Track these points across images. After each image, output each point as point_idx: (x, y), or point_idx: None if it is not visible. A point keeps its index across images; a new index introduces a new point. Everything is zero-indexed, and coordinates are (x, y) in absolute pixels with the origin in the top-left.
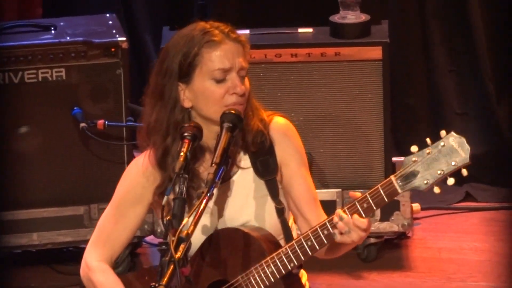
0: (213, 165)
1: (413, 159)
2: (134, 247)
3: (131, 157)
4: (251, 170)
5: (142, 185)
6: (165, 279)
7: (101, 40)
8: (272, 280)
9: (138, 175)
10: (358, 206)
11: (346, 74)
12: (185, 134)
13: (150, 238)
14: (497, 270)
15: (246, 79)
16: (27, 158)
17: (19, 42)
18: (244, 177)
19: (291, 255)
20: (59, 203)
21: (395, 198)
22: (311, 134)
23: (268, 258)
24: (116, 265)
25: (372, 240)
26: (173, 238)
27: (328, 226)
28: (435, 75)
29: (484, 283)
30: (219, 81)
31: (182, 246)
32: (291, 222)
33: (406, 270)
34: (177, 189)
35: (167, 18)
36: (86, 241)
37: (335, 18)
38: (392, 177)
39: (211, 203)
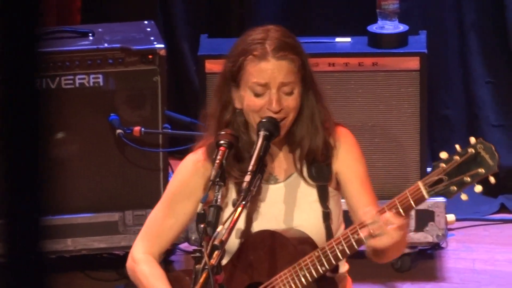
0: (249, 173)
1: (441, 165)
2: (168, 254)
3: (166, 165)
4: (305, 175)
5: (194, 181)
6: (199, 286)
7: (139, 47)
8: (305, 283)
9: (191, 171)
10: (387, 211)
11: (383, 84)
12: (221, 142)
13: (184, 246)
14: None
15: (294, 95)
16: (63, 164)
17: (57, 48)
18: (296, 182)
19: (323, 259)
20: (94, 209)
21: (430, 208)
22: None
23: (301, 261)
24: None
25: (406, 250)
26: (207, 246)
27: (358, 230)
28: (472, 87)
29: None
30: (257, 95)
31: (216, 254)
32: (340, 231)
33: (439, 281)
34: (212, 196)
35: (206, 26)
36: (120, 248)
37: (373, 28)
38: (420, 183)
39: (259, 205)
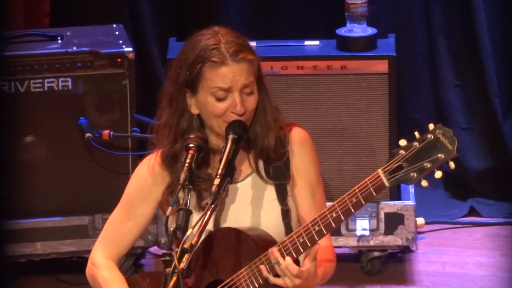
0: (218, 177)
1: (401, 152)
2: (137, 257)
3: (136, 168)
4: (262, 174)
5: (150, 184)
6: None
7: (107, 50)
8: (261, 281)
9: (146, 175)
10: (347, 201)
11: (352, 87)
12: (190, 145)
13: (154, 249)
14: (501, 286)
15: (254, 95)
16: (32, 168)
17: (25, 52)
18: (255, 181)
19: (284, 252)
20: (64, 213)
21: (399, 212)
22: (317, 147)
23: (262, 255)
24: None
25: (376, 253)
26: (177, 249)
27: (319, 222)
28: (441, 90)
29: None
30: (220, 99)
31: (185, 257)
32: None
33: (409, 284)
34: (181, 200)
35: (174, 29)
36: (89, 251)
37: (342, 31)
38: (380, 171)
39: (220, 205)
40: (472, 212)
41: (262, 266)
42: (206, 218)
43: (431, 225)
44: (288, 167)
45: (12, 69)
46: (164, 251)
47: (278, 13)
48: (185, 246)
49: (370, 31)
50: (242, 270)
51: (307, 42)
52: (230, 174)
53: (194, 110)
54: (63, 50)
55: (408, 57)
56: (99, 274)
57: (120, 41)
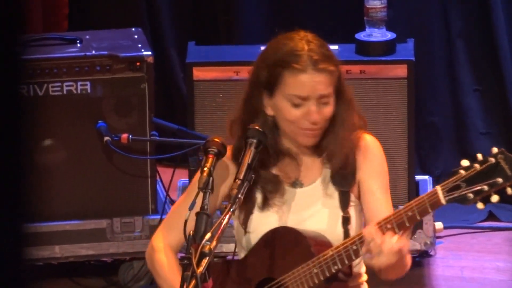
0: (237, 180)
1: (461, 171)
2: None
3: (154, 172)
4: (328, 180)
5: (217, 176)
6: None
7: (126, 54)
8: (316, 281)
9: (217, 167)
10: (403, 214)
11: (371, 91)
12: (209, 149)
13: None
14: None
15: (330, 106)
16: (50, 171)
17: (44, 55)
18: (320, 187)
19: (336, 257)
20: (82, 217)
21: None
22: None
23: (315, 258)
24: (137, 279)
25: None
26: (196, 253)
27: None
28: (459, 94)
29: None
30: (296, 105)
31: (204, 261)
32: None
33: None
34: (201, 204)
35: (193, 33)
36: (108, 255)
37: (361, 35)
38: (438, 188)
39: (283, 208)
40: (491, 216)
41: (363, 249)
42: (224, 222)
43: (449, 230)
44: (354, 175)
45: (31, 73)
46: (182, 254)
47: (298, 18)
48: (204, 250)
49: (389, 35)
50: (295, 270)
51: None
52: (249, 178)
53: (270, 112)
54: (82, 53)
55: (427, 62)
56: (157, 258)
57: (139, 45)
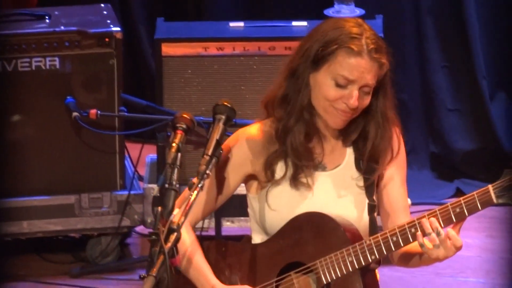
0: (205, 156)
1: None
2: (124, 237)
3: (122, 147)
4: (353, 165)
5: (245, 155)
6: (155, 269)
7: (95, 30)
8: (350, 269)
9: (243, 145)
10: (450, 210)
11: None
12: (178, 125)
13: (140, 228)
14: (486, 266)
15: (369, 96)
16: (18, 147)
17: (13, 31)
18: (345, 172)
19: (374, 247)
20: (50, 192)
21: None
22: None
23: (350, 247)
24: (105, 255)
25: None
26: (163, 229)
27: (417, 225)
28: (428, 71)
29: (473, 279)
30: (339, 86)
31: (172, 237)
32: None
33: (395, 265)
34: (168, 179)
35: (162, 9)
36: (76, 230)
37: (330, 11)
38: (490, 187)
39: (307, 191)
40: (459, 193)
41: (418, 233)
42: (192, 198)
43: (417, 206)
44: (379, 163)
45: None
46: (151, 230)
47: None
48: (172, 225)
49: (358, 12)
50: (327, 257)
51: (294, 23)
52: (217, 154)
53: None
54: (51, 29)
55: (396, 39)
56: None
57: (108, 21)
